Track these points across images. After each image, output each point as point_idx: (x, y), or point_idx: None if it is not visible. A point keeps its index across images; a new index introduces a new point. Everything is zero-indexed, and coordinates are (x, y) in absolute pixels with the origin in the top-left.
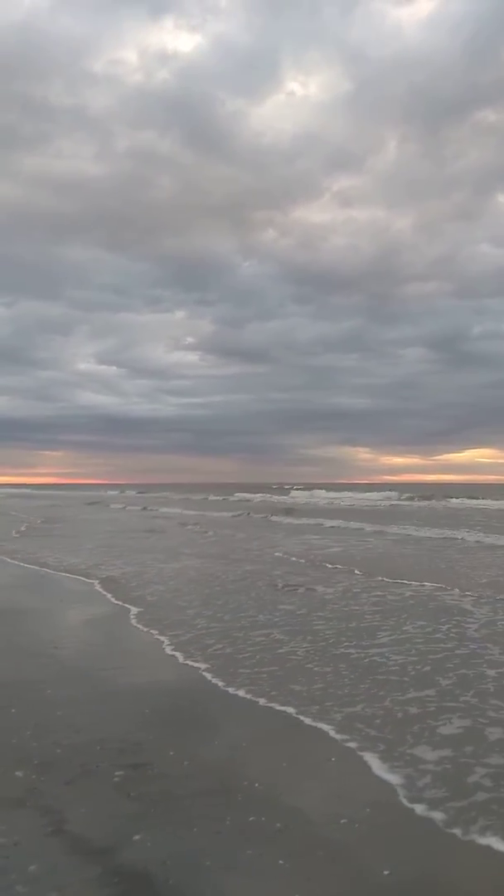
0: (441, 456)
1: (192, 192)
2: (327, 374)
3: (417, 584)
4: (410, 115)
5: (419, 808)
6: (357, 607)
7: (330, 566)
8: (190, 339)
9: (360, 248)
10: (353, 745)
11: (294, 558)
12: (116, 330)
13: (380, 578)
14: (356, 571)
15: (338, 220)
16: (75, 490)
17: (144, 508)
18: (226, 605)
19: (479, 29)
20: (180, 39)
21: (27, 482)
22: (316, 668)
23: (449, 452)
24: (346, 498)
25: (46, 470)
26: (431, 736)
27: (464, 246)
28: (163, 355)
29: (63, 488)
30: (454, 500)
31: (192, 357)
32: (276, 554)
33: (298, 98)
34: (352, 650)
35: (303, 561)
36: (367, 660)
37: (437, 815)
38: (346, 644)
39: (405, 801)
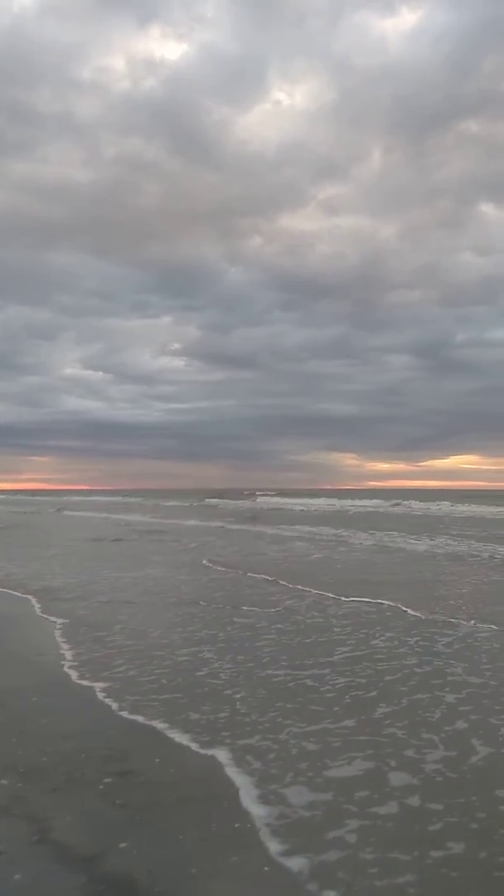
0: (426, 462)
1: (179, 198)
2: (314, 380)
3: (371, 599)
4: (395, 125)
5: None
6: (303, 620)
7: (269, 578)
8: (176, 345)
9: (346, 256)
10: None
11: (222, 568)
12: (103, 335)
13: (323, 593)
14: (295, 585)
15: (324, 227)
16: (57, 496)
17: (106, 516)
18: (152, 620)
19: (462, 41)
20: (167, 48)
21: (13, 488)
22: (230, 693)
23: (434, 459)
24: (316, 504)
25: (32, 476)
26: (316, 776)
27: (448, 254)
28: (149, 361)
29: (47, 494)
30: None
31: (178, 363)
32: (206, 563)
33: (284, 107)
34: (281, 672)
35: (239, 572)
36: (294, 683)
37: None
38: (282, 664)
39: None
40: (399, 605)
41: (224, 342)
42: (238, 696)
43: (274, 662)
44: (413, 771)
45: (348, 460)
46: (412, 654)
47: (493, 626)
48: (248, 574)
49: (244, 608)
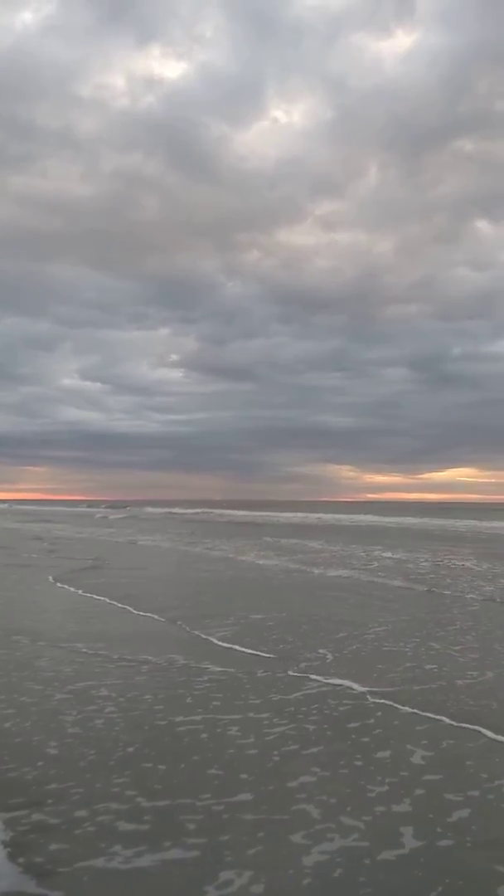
0: (423, 475)
1: (177, 213)
2: (311, 392)
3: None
4: (391, 143)
5: None
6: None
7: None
8: (174, 357)
9: (343, 271)
10: None
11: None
12: (101, 346)
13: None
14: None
15: (321, 243)
16: (51, 506)
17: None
18: None
19: (456, 63)
20: (167, 66)
21: (8, 497)
22: None
23: (431, 471)
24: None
25: (29, 486)
26: None
27: (443, 269)
28: (147, 372)
29: (41, 504)
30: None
31: (176, 374)
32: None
33: (282, 125)
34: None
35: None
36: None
37: None
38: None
39: None
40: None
41: (222, 354)
42: None
43: None
44: None
45: (346, 472)
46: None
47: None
48: None
49: None
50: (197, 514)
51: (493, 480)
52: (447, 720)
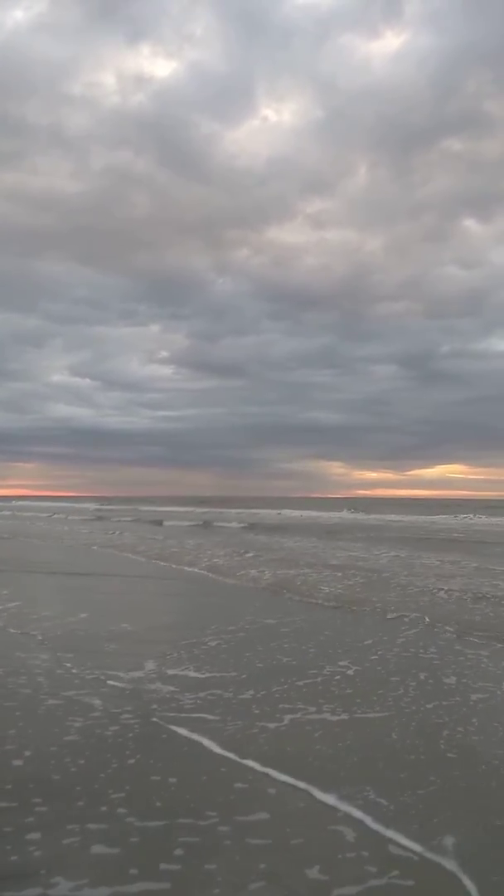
0: (413, 471)
1: (167, 210)
2: (301, 389)
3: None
4: (380, 142)
5: None
6: None
7: None
8: (164, 353)
9: (333, 268)
10: None
11: None
12: (90, 342)
13: None
14: None
15: (311, 241)
16: (36, 501)
17: None
18: None
19: (444, 63)
20: (157, 65)
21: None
22: None
23: (420, 468)
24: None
25: (18, 482)
26: None
27: (432, 268)
28: (137, 368)
29: (27, 500)
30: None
31: (166, 370)
32: None
33: (272, 124)
34: None
35: None
36: None
37: None
38: None
39: None
40: None
41: (212, 351)
42: None
43: None
44: None
45: (336, 469)
46: None
47: None
48: None
49: None
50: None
51: (482, 477)
52: None
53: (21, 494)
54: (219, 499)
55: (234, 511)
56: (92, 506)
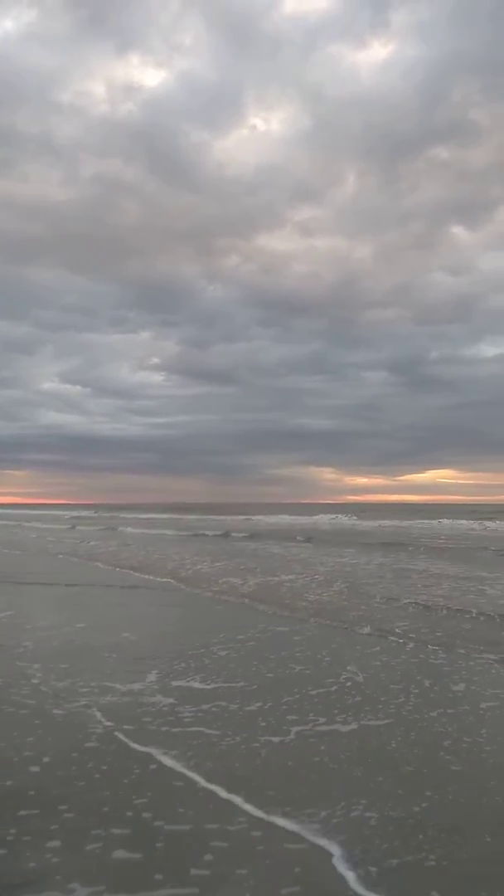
0: (403, 477)
1: (157, 218)
2: (292, 395)
3: None
4: (368, 151)
5: None
6: None
7: None
8: (155, 360)
9: (322, 276)
10: None
11: None
12: (81, 350)
13: None
14: None
15: (300, 248)
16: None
17: None
18: None
19: (431, 73)
20: (146, 74)
21: None
22: None
23: (411, 473)
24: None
25: (8, 490)
26: None
27: (421, 274)
28: (128, 375)
29: (14, 508)
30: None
31: (157, 377)
32: None
33: (261, 133)
34: None
35: None
36: None
37: None
38: None
39: None
40: None
41: (203, 357)
42: None
43: None
44: None
45: (327, 475)
46: None
47: None
48: None
49: None
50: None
51: (472, 482)
52: None
53: (10, 503)
54: (207, 506)
55: (217, 518)
56: (73, 513)
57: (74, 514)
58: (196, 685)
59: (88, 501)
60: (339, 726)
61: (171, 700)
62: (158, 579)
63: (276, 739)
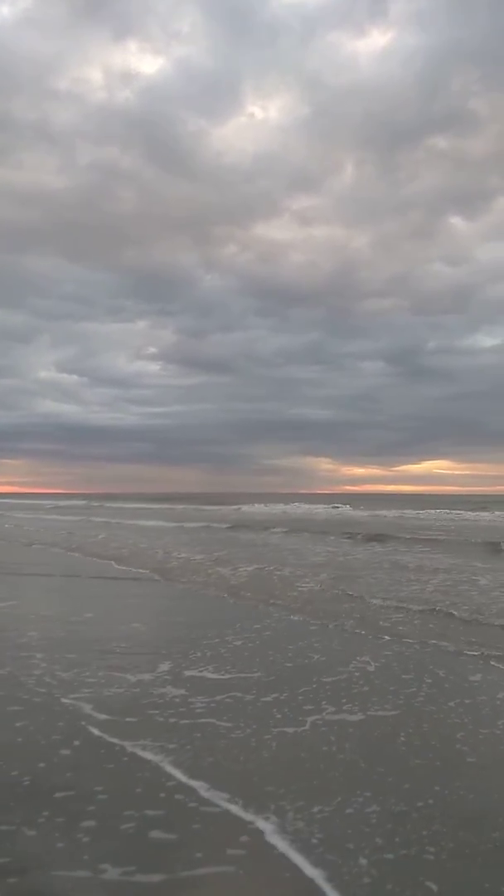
0: (400, 467)
1: (154, 206)
2: (289, 385)
3: None
4: (366, 139)
5: None
6: None
7: None
8: (152, 349)
9: (320, 265)
10: None
11: None
12: (78, 339)
13: None
14: None
15: (297, 237)
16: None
17: None
18: None
19: (430, 62)
20: (144, 62)
21: None
22: None
23: (407, 463)
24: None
25: (4, 479)
26: None
27: (419, 264)
28: (124, 364)
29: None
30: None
31: (154, 367)
32: None
33: (258, 121)
34: None
35: None
36: None
37: None
38: None
39: None
40: None
41: (200, 347)
42: None
43: None
44: None
45: (324, 465)
46: None
47: None
48: None
49: None
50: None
51: (468, 472)
52: None
53: (7, 492)
54: (202, 496)
55: (211, 508)
56: (65, 502)
57: (66, 503)
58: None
59: (85, 491)
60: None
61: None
62: (135, 569)
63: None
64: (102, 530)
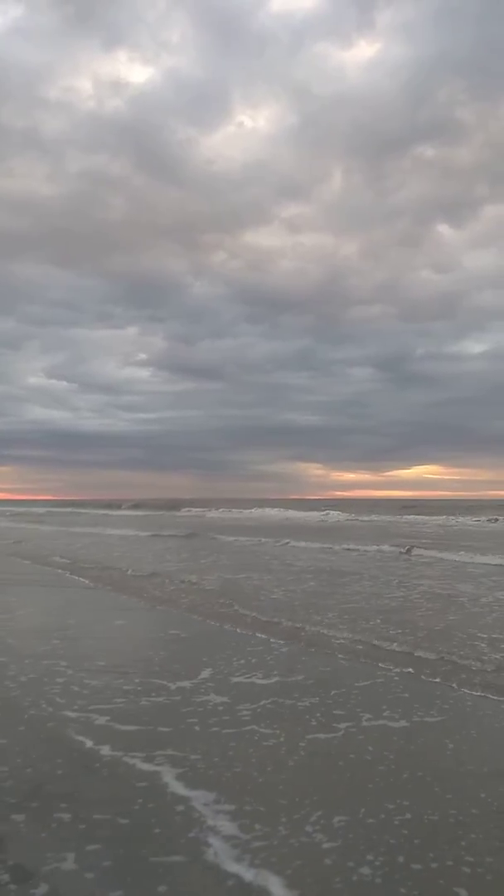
0: (390, 472)
1: (144, 213)
2: (279, 391)
3: None
4: (354, 148)
5: None
6: None
7: None
8: (142, 356)
9: (308, 272)
10: None
11: None
12: (67, 345)
13: None
14: None
15: (286, 245)
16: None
17: None
18: None
19: (417, 72)
20: (134, 71)
21: None
22: None
23: (397, 469)
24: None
25: None
26: None
27: (406, 272)
28: (114, 371)
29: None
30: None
31: (143, 373)
32: None
33: (247, 129)
34: None
35: None
36: None
37: None
38: None
39: None
40: None
41: (190, 353)
42: None
43: None
44: None
45: (314, 470)
46: None
47: None
48: None
49: None
50: None
51: (457, 478)
52: None
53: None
54: (193, 501)
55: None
56: (50, 509)
57: (51, 509)
58: None
59: (75, 497)
60: None
61: None
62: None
63: None
64: (69, 539)
